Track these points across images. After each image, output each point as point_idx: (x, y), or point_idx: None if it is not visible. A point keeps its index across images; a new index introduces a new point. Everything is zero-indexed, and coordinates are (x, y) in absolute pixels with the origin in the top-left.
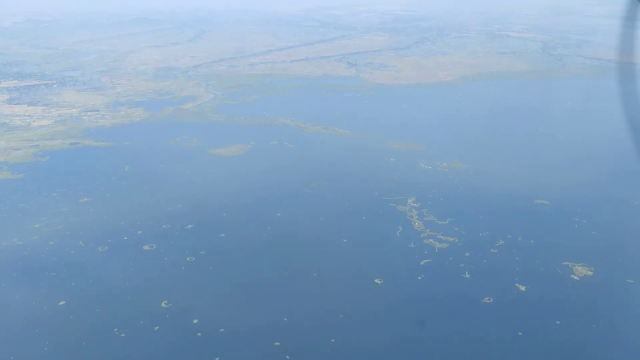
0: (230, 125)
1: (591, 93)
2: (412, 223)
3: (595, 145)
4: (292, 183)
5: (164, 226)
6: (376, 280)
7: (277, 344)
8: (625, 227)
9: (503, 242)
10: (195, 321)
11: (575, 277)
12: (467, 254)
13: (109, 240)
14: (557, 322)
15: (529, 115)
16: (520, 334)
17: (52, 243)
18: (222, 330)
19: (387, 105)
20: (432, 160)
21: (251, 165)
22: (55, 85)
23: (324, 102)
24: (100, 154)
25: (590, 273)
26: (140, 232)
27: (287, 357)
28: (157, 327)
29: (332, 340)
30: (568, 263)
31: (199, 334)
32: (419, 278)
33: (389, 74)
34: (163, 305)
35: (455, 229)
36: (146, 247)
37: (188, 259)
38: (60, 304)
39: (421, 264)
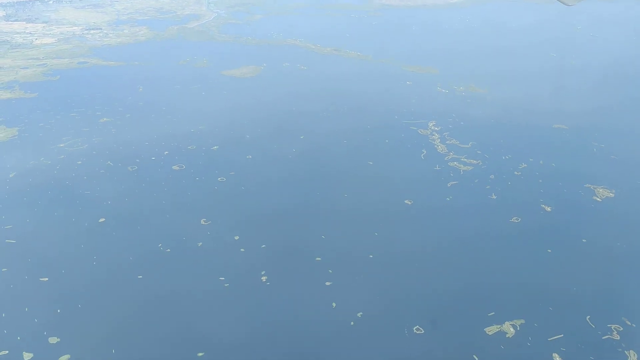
0: (239, 46)
1: (604, 18)
2: (435, 146)
3: (609, 70)
4: (310, 105)
5: (189, 147)
6: (406, 201)
7: (319, 259)
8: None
9: (525, 165)
10: (236, 238)
11: (598, 199)
12: (492, 177)
13: (137, 160)
14: (584, 240)
15: (540, 39)
16: (549, 251)
17: (80, 162)
18: (263, 246)
19: (396, 27)
20: (448, 84)
21: (266, 87)
22: (50, 2)
23: (332, 22)
24: (111, 73)
25: (612, 195)
26: (166, 152)
27: (330, 270)
28: (201, 244)
29: (370, 256)
30: (590, 185)
31: (242, 250)
32: (448, 199)
33: None
34: (202, 222)
35: (478, 152)
36: (175, 167)
37: (219, 179)
38: (100, 220)
39: (448, 185)
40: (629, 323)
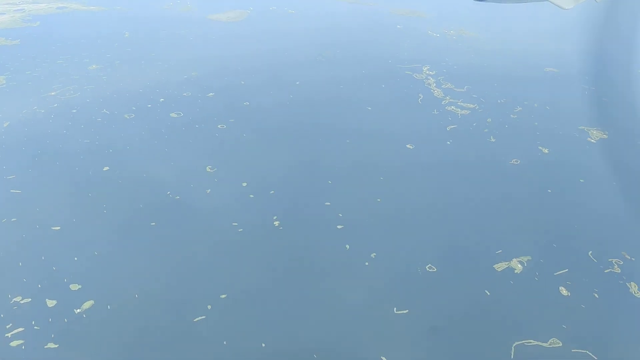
0: None
1: None
2: (431, 91)
3: (594, 13)
4: (303, 50)
5: (184, 94)
6: (408, 146)
7: (328, 203)
8: (630, 93)
9: (521, 109)
10: (244, 184)
11: (592, 140)
12: (489, 120)
13: (133, 108)
14: (581, 180)
15: None
16: (549, 191)
17: (74, 111)
18: (272, 192)
19: None
20: (438, 27)
21: (256, 31)
22: None
23: None
24: (93, 19)
25: (605, 136)
26: (162, 99)
27: (340, 214)
28: (209, 190)
29: (378, 199)
30: (584, 127)
31: (251, 196)
32: (448, 143)
33: None
34: (208, 170)
35: (474, 96)
36: (173, 115)
37: (219, 126)
38: (104, 169)
39: (447, 129)
40: (628, 257)
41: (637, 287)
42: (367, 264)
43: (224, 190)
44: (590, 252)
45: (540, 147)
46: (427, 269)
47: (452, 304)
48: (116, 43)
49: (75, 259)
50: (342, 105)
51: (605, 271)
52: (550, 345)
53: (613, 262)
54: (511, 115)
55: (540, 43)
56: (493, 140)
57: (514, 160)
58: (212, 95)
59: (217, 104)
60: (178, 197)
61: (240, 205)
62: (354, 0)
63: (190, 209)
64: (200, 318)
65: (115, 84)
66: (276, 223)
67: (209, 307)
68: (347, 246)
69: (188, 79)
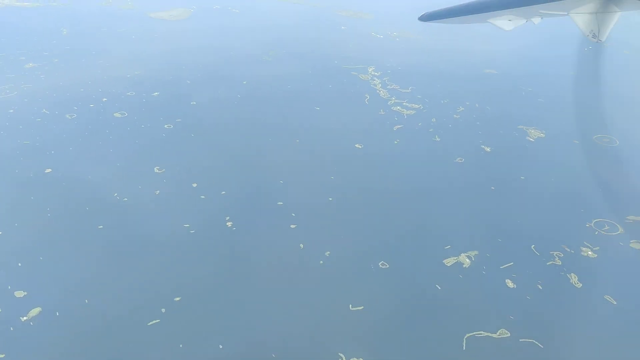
0: None
1: None
2: (377, 91)
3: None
4: (248, 49)
5: (128, 93)
6: (357, 145)
7: (280, 203)
8: (565, 94)
9: (463, 109)
10: (194, 185)
11: (531, 139)
12: (434, 120)
13: (75, 108)
14: (522, 177)
15: None
16: (493, 188)
17: (12, 111)
18: (223, 192)
19: None
20: (382, 29)
21: (199, 30)
22: None
23: None
24: (29, 15)
25: (543, 135)
26: (105, 99)
27: (293, 214)
28: (158, 191)
29: (330, 199)
30: (522, 127)
31: (202, 197)
32: (396, 142)
33: None
34: (156, 170)
35: (418, 96)
36: (117, 115)
37: (166, 126)
38: (46, 171)
39: (394, 129)
40: (568, 250)
41: (577, 278)
42: (321, 262)
43: (174, 191)
44: (533, 245)
45: (483, 146)
46: (380, 266)
47: (405, 299)
48: (54, 40)
49: (19, 264)
50: (291, 104)
51: (548, 263)
52: (499, 335)
53: (554, 254)
54: (454, 116)
55: (479, 46)
56: (438, 139)
57: (459, 158)
58: (158, 95)
59: (162, 103)
60: (126, 199)
61: (191, 206)
62: (298, 0)
63: (139, 211)
64: (154, 322)
65: (54, 82)
66: (229, 224)
67: (163, 310)
68: (301, 245)
69: (132, 78)
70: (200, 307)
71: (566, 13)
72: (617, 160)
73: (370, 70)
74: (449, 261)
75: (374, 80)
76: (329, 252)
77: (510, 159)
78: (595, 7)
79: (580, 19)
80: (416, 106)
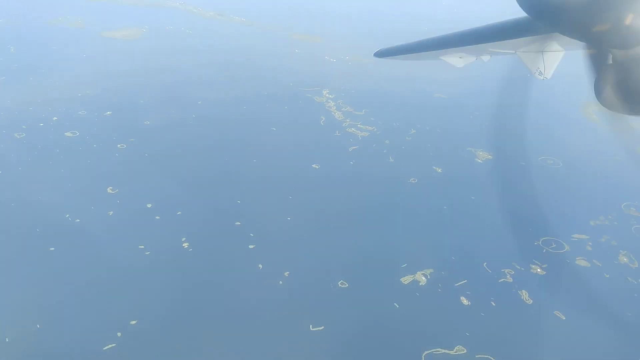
0: (115, 6)
1: None
2: (332, 113)
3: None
4: (202, 70)
5: (80, 112)
6: (314, 166)
7: (238, 223)
8: (511, 116)
9: (415, 131)
10: (149, 205)
11: (479, 160)
12: (387, 142)
13: (24, 127)
14: (472, 197)
15: (415, 14)
16: (445, 207)
17: None
18: (179, 213)
19: None
20: (335, 53)
21: (152, 50)
22: None
23: None
24: None
25: (490, 157)
26: (55, 118)
27: (251, 234)
28: (112, 212)
29: (288, 218)
30: (471, 149)
31: (157, 217)
32: (351, 163)
33: None
34: (109, 191)
35: (372, 119)
36: (69, 134)
37: (119, 145)
38: None
39: (350, 150)
40: (518, 267)
41: (527, 294)
42: (281, 282)
43: (128, 212)
44: (485, 263)
45: (435, 167)
46: (340, 285)
47: (364, 318)
48: (0, 58)
49: None
50: (247, 125)
51: (499, 281)
52: (456, 352)
53: (505, 272)
54: (406, 138)
55: (429, 72)
56: (392, 160)
57: (412, 179)
58: (110, 114)
59: (115, 123)
60: (78, 220)
61: (146, 227)
62: (251, 23)
63: (92, 232)
64: (110, 346)
65: (1, 101)
66: (185, 245)
67: (119, 334)
68: (260, 266)
69: (83, 97)
70: (158, 330)
71: (514, 52)
72: (561, 181)
73: (324, 92)
74: (406, 279)
75: (329, 102)
76: (288, 272)
77: (460, 180)
78: (541, 46)
79: (527, 57)
80: (370, 128)
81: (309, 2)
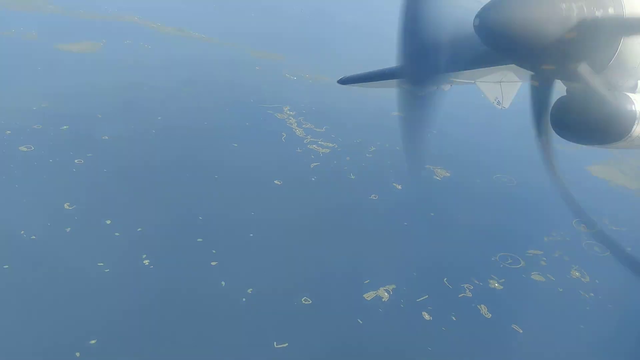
0: (70, 19)
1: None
2: (294, 130)
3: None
4: (162, 84)
5: (35, 126)
6: (276, 182)
7: (200, 240)
8: (468, 136)
9: (375, 148)
10: (108, 222)
11: (438, 178)
12: (348, 158)
13: None
14: (432, 214)
15: (376, 36)
16: (405, 224)
17: None
18: (139, 229)
19: (236, 11)
20: (295, 70)
21: (111, 64)
22: None
23: (168, 1)
24: None
25: (448, 174)
26: (9, 132)
27: (213, 251)
28: (69, 229)
29: (251, 235)
30: (430, 166)
31: (117, 234)
32: (313, 179)
33: None
34: (67, 207)
35: (332, 136)
36: (23, 148)
37: (76, 161)
38: None
39: (311, 167)
40: (477, 282)
41: (486, 309)
42: (244, 300)
43: (86, 229)
44: (446, 278)
45: (394, 184)
46: (303, 302)
47: (328, 334)
48: None
49: None
50: (208, 141)
51: (459, 296)
52: None
53: (465, 287)
54: (367, 155)
55: (385, 90)
56: (353, 177)
57: (373, 195)
58: (67, 128)
59: (72, 137)
60: (34, 237)
61: (105, 244)
62: (211, 39)
63: (48, 249)
64: None
65: None
66: (146, 262)
67: (78, 354)
68: (223, 283)
69: (38, 111)
70: (118, 349)
71: (473, 81)
72: (515, 198)
73: (285, 109)
74: (369, 295)
75: (290, 119)
76: (251, 289)
77: (419, 196)
78: (500, 76)
79: (486, 87)
80: (331, 145)
81: (268, 21)
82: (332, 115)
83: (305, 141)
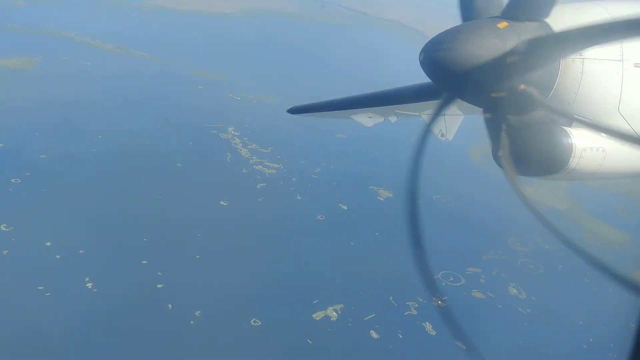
0: (4, 33)
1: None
2: (239, 150)
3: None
4: (102, 102)
5: None
6: (222, 202)
7: (145, 262)
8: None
9: (320, 169)
10: (48, 244)
11: (381, 198)
12: (294, 179)
13: None
14: (376, 233)
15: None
16: (352, 243)
17: None
18: (81, 252)
19: (178, 30)
20: (238, 91)
21: (48, 81)
22: None
23: (107, 17)
24: None
25: (391, 195)
26: None
27: (159, 273)
28: (6, 251)
29: (197, 257)
30: (373, 187)
31: (57, 256)
32: (260, 200)
33: None
34: (3, 228)
35: (278, 156)
36: None
37: (13, 180)
38: None
39: (258, 187)
40: (422, 300)
41: (431, 326)
42: (192, 322)
43: (25, 251)
44: (391, 297)
45: (340, 204)
46: (252, 323)
47: (279, 356)
48: None
49: None
50: (150, 160)
51: (405, 313)
52: None
53: (410, 305)
54: (312, 175)
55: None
56: (299, 197)
57: (320, 216)
58: (2, 146)
59: (8, 156)
60: None
61: (45, 266)
62: (152, 57)
63: None
64: None
65: None
66: (89, 285)
67: None
68: (170, 306)
69: None
70: None
71: (419, 114)
72: (454, 217)
73: (230, 129)
74: (318, 315)
75: (235, 139)
76: (199, 312)
77: (364, 217)
78: (443, 110)
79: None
80: (277, 165)
81: (211, 40)
82: (278, 136)
83: (251, 162)
